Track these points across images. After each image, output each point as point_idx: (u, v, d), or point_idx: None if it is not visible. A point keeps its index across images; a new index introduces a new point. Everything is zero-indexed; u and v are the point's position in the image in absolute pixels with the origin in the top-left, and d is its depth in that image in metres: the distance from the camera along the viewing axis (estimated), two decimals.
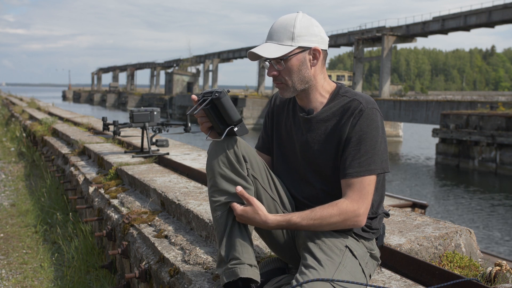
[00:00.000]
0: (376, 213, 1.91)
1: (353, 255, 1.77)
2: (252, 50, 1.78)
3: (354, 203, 1.74)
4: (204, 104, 1.76)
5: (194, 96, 1.80)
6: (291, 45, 1.77)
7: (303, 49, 1.79)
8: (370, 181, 1.76)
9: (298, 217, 1.76)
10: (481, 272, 2.09)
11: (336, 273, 1.66)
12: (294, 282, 1.63)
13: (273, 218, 1.78)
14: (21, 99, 29.42)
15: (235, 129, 1.78)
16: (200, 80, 71.28)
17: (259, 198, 1.87)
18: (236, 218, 1.80)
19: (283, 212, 1.92)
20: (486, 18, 37.87)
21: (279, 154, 2.01)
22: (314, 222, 1.75)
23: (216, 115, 1.78)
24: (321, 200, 1.87)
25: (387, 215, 1.99)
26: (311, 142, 1.88)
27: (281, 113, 2.01)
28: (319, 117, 1.86)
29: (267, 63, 1.85)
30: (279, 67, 1.81)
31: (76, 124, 10.66)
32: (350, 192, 1.76)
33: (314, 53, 1.81)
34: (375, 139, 1.76)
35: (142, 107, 5.62)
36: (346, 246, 1.78)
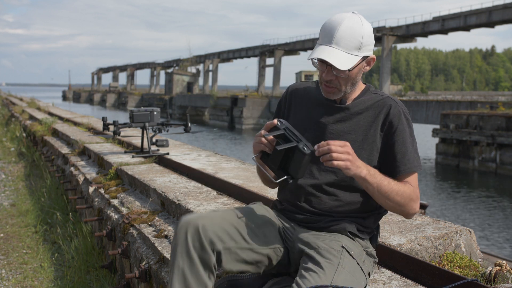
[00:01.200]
0: (372, 212, 1.91)
1: (350, 255, 1.78)
2: (323, 57, 1.73)
3: (416, 190, 1.84)
4: (287, 145, 1.69)
5: (275, 121, 1.75)
6: (358, 55, 1.77)
7: (364, 58, 1.80)
8: (417, 177, 1.88)
9: (380, 174, 1.77)
10: (481, 272, 2.09)
11: (336, 275, 1.66)
12: (295, 286, 1.63)
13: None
14: (21, 99, 29.43)
15: (290, 181, 1.75)
16: (200, 80, 71.31)
17: (241, 260, 1.80)
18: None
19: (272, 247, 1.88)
20: (486, 18, 37.87)
21: None
22: (388, 188, 1.75)
23: (285, 159, 1.72)
24: (343, 187, 1.87)
25: (382, 214, 1.99)
26: (341, 131, 1.87)
27: (301, 103, 1.99)
28: (354, 109, 1.88)
29: (319, 62, 1.81)
30: (341, 75, 1.79)
31: (76, 124, 10.66)
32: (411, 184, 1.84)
33: (369, 61, 1.84)
34: (413, 137, 1.87)
35: (142, 107, 5.62)
36: (343, 247, 1.79)
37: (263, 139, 1.75)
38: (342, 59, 1.74)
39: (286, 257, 1.89)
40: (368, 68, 1.85)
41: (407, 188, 1.80)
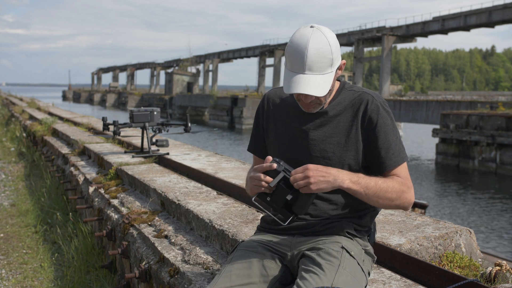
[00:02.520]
0: (367, 210, 1.91)
1: (351, 255, 1.77)
2: (300, 91, 1.70)
3: (406, 180, 1.81)
4: (290, 194, 1.71)
5: (274, 165, 1.73)
6: (331, 71, 1.75)
7: (337, 67, 1.79)
8: (406, 167, 1.85)
9: (364, 177, 1.76)
10: (481, 272, 2.09)
11: (336, 276, 1.66)
12: None
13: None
14: (21, 99, 29.44)
15: (295, 218, 1.77)
16: (200, 80, 71.32)
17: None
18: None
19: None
20: (486, 18, 37.89)
21: (281, 153, 1.96)
22: (376, 188, 1.75)
23: (288, 199, 1.73)
24: (336, 191, 1.84)
25: (377, 211, 1.98)
26: (323, 136, 1.86)
27: (279, 112, 1.97)
28: (332, 112, 1.86)
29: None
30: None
31: (76, 124, 10.66)
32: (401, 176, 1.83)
33: (341, 66, 1.82)
34: (395, 129, 1.85)
35: (142, 107, 5.62)
36: (342, 247, 1.78)
37: (263, 183, 1.74)
38: (320, 84, 1.72)
39: (289, 277, 1.87)
40: (340, 72, 1.84)
41: (396, 182, 1.78)
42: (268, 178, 1.73)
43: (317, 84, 1.72)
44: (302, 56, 1.69)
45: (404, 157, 1.83)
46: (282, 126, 1.95)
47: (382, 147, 1.81)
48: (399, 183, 1.79)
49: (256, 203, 1.81)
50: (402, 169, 1.83)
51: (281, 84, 2.14)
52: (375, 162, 1.83)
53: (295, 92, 1.71)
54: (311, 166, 1.70)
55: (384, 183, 1.76)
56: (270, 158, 1.76)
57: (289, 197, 1.71)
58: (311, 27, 1.73)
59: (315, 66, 1.70)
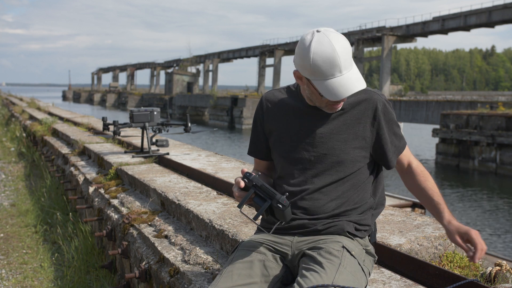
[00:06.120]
0: (368, 210, 1.91)
1: (351, 254, 1.78)
2: (352, 91, 1.73)
3: (417, 162, 2.02)
4: (263, 207, 1.73)
5: (241, 184, 1.76)
6: (353, 62, 1.79)
7: None
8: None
9: (438, 198, 1.92)
10: (481, 272, 2.09)
11: (337, 275, 1.66)
12: (296, 286, 1.63)
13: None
14: (21, 99, 29.44)
15: (282, 223, 1.81)
16: (200, 80, 71.31)
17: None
18: None
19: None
20: (486, 18, 37.91)
21: (288, 152, 1.94)
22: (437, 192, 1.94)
23: (266, 210, 1.76)
24: (338, 189, 1.87)
25: (378, 211, 1.99)
26: (330, 133, 1.87)
27: (281, 113, 1.96)
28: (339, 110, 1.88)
29: None
30: None
31: (76, 124, 10.66)
32: (411, 157, 2.00)
33: None
34: (397, 122, 2.01)
35: (142, 107, 5.62)
36: (343, 247, 1.79)
37: (239, 199, 1.80)
38: (359, 76, 1.76)
39: (290, 276, 1.88)
40: None
41: (426, 175, 1.97)
42: (242, 194, 1.78)
43: (357, 77, 1.76)
44: (335, 59, 1.69)
45: (405, 144, 2.00)
46: (285, 126, 1.94)
47: (392, 137, 1.93)
48: (422, 167, 1.98)
49: (241, 212, 1.85)
50: (409, 151, 2.00)
51: (281, 84, 2.15)
52: (388, 150, 1.92)
53: (351, 93, 1.73)
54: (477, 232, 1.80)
55: (433, 186, 1.94)
56: (244, 170, 1.78)
57: (256, 216, 1.76)
58: (318, 31, 1.72)
59: (347, 63, 1.73)
